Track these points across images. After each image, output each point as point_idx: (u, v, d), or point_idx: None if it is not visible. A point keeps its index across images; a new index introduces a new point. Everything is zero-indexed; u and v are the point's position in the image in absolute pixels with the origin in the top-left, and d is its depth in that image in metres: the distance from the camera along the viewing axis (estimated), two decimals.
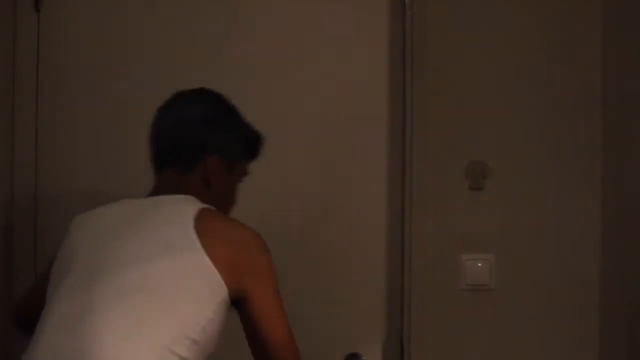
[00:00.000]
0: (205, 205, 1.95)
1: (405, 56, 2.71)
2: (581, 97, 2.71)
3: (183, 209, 1.92)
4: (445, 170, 2.70)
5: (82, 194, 2.65)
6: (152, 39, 2.75)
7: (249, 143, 2.16)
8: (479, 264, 2.69)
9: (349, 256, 2.80)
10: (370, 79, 2.74)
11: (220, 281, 1.85)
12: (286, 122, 2.74)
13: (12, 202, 2.66)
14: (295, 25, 2.76)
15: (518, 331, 2.70)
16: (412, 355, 2.69)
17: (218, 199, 2.06)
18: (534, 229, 2.71)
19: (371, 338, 2.79)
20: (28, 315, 2.02)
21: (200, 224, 1.88)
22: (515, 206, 2.71)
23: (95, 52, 2.74)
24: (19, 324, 2.15)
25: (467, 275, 2.69)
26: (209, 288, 1.85)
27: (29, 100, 2.71)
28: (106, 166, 2.72)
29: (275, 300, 1.93)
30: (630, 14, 2.56)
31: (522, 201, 2.71)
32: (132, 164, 2.55)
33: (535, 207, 2.71)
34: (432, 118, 2.70)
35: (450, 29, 2.71)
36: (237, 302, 1.91)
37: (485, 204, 2.70)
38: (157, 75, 2.70)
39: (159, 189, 2.04)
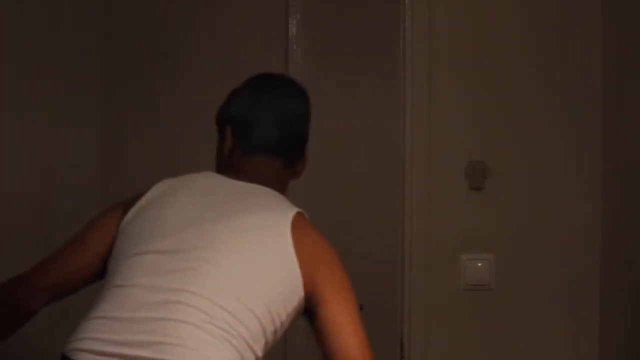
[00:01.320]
0: (297, 210, 1.89)
1: (405, 56, 2.72)
2: (581, 97, 2.71)
3: (281, 215, 1.86)
4: (445, 170, 2.70)
5: None
6: None
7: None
8: (479, 264, 2.69)
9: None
10: None
11: (301, 286, 1.82)
12: None
13: None
14: None
15: (518, 331, 2.71)
16: (411, 355, 2.70)
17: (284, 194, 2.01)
18: (534, 229, 2.71)
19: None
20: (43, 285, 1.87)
21: (295, 234, 1.84)
22: (515, 206, 2.71)
23: None
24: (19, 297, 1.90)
25: (467, 275, 2.69)
26: (292, 293, 1.81)
27: None
28: None
29: (354, 308, 1.92)
30: (630, 13, 2.56)
31: (522, 201, 2.71)
32: None
33: (535, 207, 2.71)
34: (432, 118, 2.70)
35: (448, 28, 2.71)
36: (312, 308, 1.85)
37: (485, 204, 2.70)
38: None
39: (252, 175, 1.95)
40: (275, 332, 1.80)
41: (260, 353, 1.76)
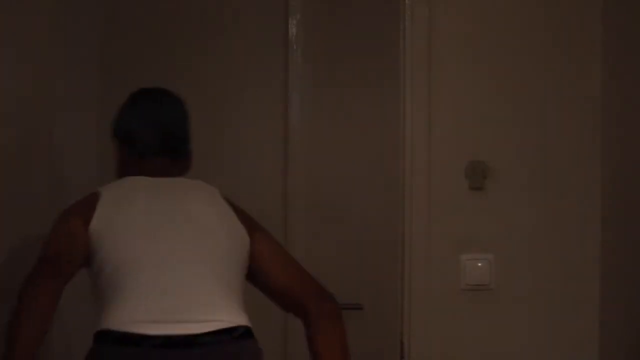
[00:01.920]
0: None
1: (405, 56, 2.71)
2: (581, 97, 2.71)
3: (210, 190, 2.32)
4: (445, 170, 2.70)
5: None
6: None
7: None
8: (479, 264, 2.69)
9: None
10: None
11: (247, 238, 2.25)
12: None
13: None
14: None
15: (518, 331, 2.71)
16: (411, 355, 2.69)
17: None
18: (533, 229, 2.71)
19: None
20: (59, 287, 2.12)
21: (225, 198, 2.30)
22: (515, 206, 2.71)
23: None
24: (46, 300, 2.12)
25: (467, 275, 2.69)
26: (245, 250, 2.24)
27: None
28: None
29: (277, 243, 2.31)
30: (630, 13, 2.56)
31: (522, 201, 2.71)
32: None
33: (535, 207, 2.71)
34: (432, 118, 2.70)
35: (448, 28, 2.71)
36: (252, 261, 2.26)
37: (485, 204, 2.70)
38: None
39: (157, 172, 2.33)
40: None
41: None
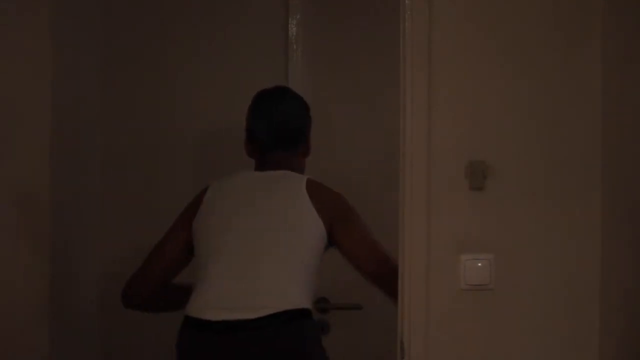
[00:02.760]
0: (308, 176, 2.73)
1: (405, 55, 2.71)
2: (581, 97, 2.71)
3: (297, 184, 2.65)
4: (445, 170, 2.70)
5: None
6: None
7: None
8: (479, 264, 2.69)
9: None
10: None
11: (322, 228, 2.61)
12: None
13: None
14: None
15: (518, 331, 2.70)
16: (411, 355, 2.69)
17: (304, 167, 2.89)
18: (534, 228, 2.71)
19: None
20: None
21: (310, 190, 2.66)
22: (515, 206, 2.71)
23: None
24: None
25: (467, 275, 2.69)
26: (319, 237, 2.60)
27: None
28: None
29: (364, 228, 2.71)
30: (631, 12, 2.56)
31: (523, 201, 2.71)
32: None
33: (535, 207, 2.71)
34: (432, 118, 2.70)
35: (448, 28, 2.71)
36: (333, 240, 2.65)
37: (485, 204, 2.70)
38: None
39: (276, 166, 2.72)
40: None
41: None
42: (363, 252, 2.70)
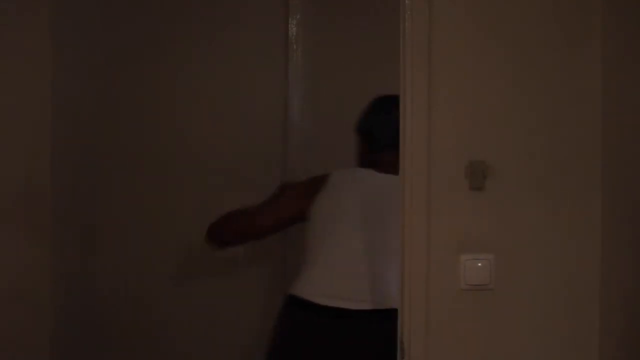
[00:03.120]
0: None
1: (405, 55, 2.71)
2: (582, 97, 2.71)
3: None
4: (445, 170, 2.70)
5: None
6: None
7: None
8: (479, 264, 2.69)
9: None
10: None
11: None
12: None
13: None
14: None
15: (518, 331, 2.70)
16: (411, 354, 2.69)
17: None
18: (534, 228, 2.71)
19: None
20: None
21: None
22: (515, 206, 2.71)
23: None
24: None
25: (467, 276, 2.69)
26: None
27: None
28: None
29: None
30: (631, 12, 2.56)
31: (523, 201, 2.71)
32: None
33: (535, 206, 2.71)
34: (432, 118, 2.70)
35: (448, 28, 2.71)
36: None
37: (486, 204, 2.70)
38: None
39: (388, 166, 2.93)
40: None
41: None
42: None
